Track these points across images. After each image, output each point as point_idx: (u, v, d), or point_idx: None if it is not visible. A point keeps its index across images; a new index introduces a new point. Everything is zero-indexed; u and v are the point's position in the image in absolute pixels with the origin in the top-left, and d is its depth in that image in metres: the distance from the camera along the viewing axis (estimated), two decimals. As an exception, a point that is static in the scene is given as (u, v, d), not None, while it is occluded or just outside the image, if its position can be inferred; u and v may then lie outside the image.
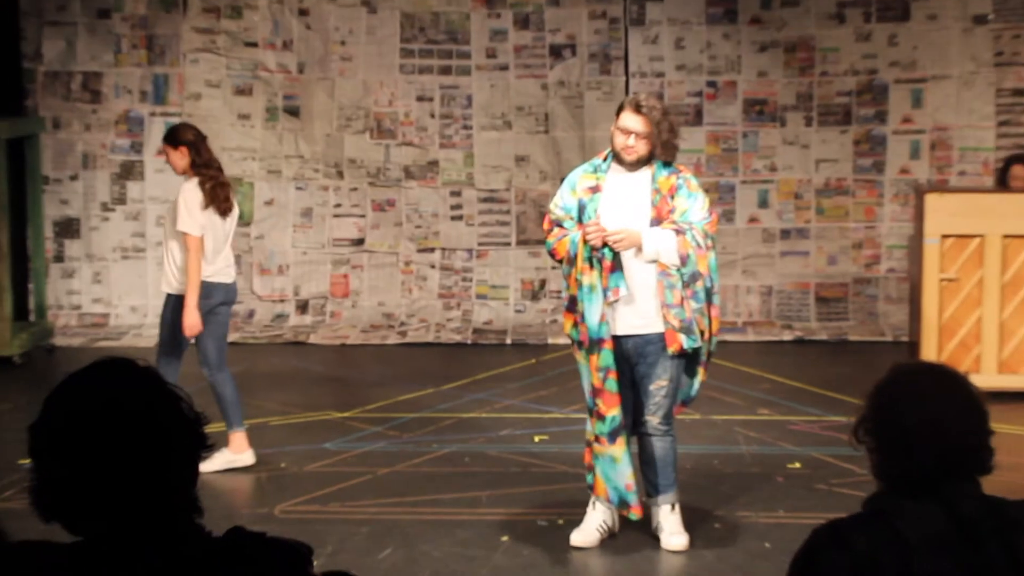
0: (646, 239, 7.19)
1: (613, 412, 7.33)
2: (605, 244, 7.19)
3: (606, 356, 7.27)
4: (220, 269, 9.09)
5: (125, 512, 2.63)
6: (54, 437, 2.66)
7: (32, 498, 2.67)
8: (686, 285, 7.24)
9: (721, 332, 12.32)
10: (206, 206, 8.99)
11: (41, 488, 2.66)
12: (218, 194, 9.07)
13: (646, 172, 7.38)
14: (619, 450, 7.38)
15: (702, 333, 7.34)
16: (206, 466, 8.80)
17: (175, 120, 13.12)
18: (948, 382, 3.44)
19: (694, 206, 7.31)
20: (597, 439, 7.43)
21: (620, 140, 7.35)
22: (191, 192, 9.09)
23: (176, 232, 8.97)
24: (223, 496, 8.19)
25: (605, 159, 7.50)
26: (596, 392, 7.35)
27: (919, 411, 3.35)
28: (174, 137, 9.24)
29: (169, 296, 9.08)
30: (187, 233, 8.88)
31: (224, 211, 9.09)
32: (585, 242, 7.24)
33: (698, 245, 7.22)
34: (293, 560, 2.70)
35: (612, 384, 7.30)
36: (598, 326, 7.26)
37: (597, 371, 7.32)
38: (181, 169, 9.10)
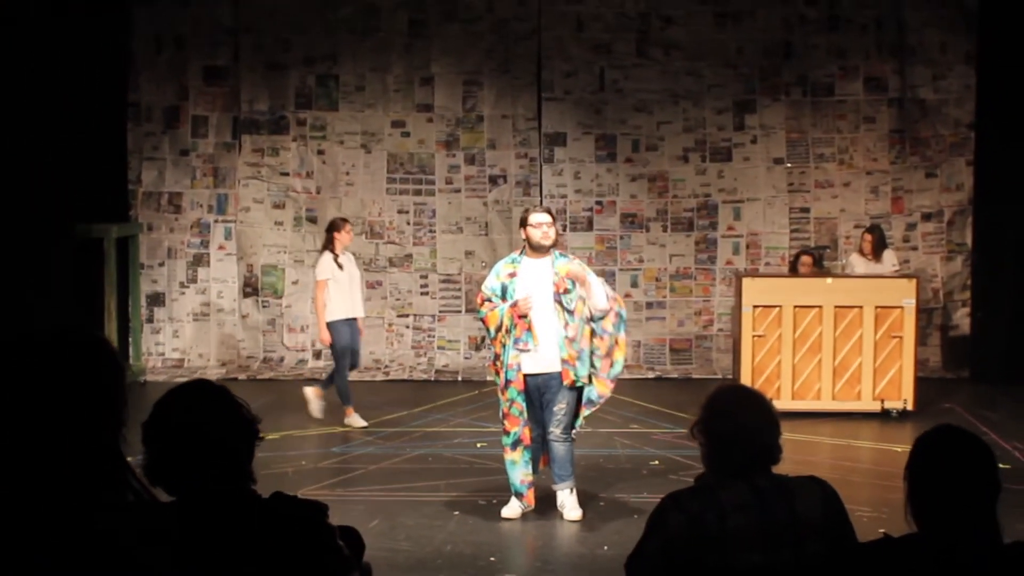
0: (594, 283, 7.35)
1: (515, 430, 7.42)
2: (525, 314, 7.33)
3: (512, 392, 7.37)
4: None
5: (204, 480, 2.73)
6: (158, 431, 2.76)
7: (144, 470, 2.76)
8: (574, 341, 7.33)
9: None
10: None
11: (150, 463, 2.75)
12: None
13: (548, 260, 7.46)
14: (518, 456, 7.46)
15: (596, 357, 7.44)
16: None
17: (233, 226, 13.18)
18: (753, 400, 3.55)
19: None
20: (504, 448, 7.53)
21: (538, 233, 7.39)
22: None
23: None
24: (265, 481, 8.17)
25: (520, 253, 7.58)
26: (505, 415, 7.46)
27: (709, 422, 3.46)
28: None
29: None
30: None
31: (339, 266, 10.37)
32: (512, 315, 7.33)
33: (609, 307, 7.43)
34: (316, 513, 2.82)
35: (515, 411, 7.39)
36: (507, 371, 7.37)
37: (506, 401, 7.42)
38: None
